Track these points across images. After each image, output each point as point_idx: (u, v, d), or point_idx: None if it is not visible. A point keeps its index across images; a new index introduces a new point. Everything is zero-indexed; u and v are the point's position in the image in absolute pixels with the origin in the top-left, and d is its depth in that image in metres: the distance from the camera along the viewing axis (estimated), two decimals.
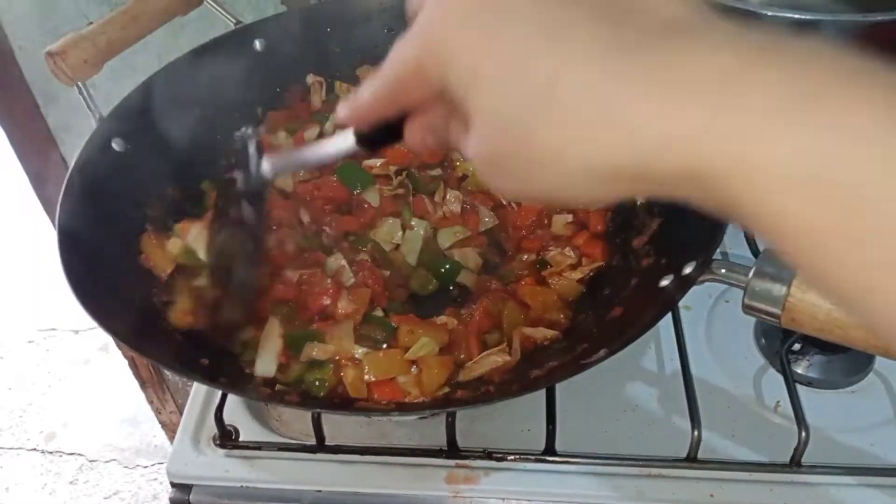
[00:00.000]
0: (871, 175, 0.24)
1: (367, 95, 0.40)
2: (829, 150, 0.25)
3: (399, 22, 0.87)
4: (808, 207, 0.25)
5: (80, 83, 0.74)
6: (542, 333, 0.68)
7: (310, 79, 0.88)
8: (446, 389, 0.64)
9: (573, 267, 0.73)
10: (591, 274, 0.73)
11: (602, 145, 0.29)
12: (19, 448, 2.13)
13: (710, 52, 0.28)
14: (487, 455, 0.65)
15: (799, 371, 0.71)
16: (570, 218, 0.77)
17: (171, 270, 0.70)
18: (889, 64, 0.26)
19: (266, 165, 0.57)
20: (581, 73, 0.29)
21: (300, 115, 0.86)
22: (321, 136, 0.83)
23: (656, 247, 0.71)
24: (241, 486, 0.65)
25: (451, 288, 0.75)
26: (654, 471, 0.64)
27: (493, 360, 0.65)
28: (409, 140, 0.42)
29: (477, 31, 0.32)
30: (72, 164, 0.69)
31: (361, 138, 0.45)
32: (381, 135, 0.43)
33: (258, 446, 0.67)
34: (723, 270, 0.56)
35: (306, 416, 0.67)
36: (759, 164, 0.26)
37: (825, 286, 0.27)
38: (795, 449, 0.62)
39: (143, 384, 1.68)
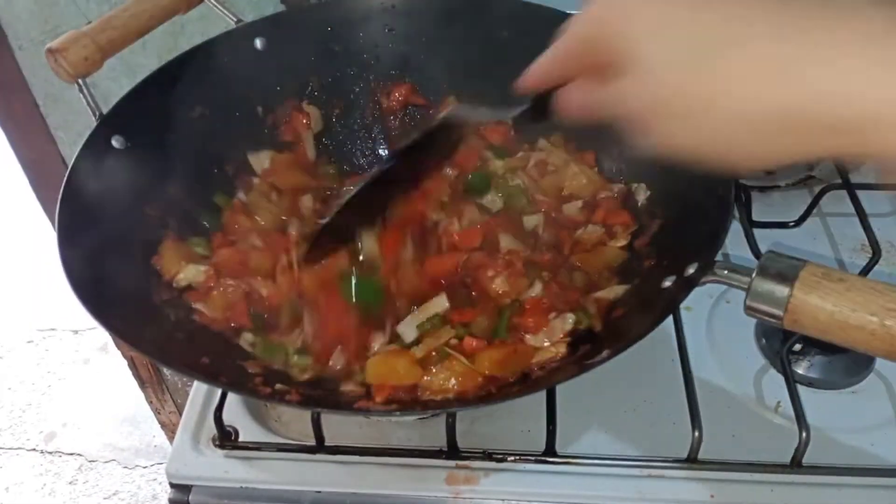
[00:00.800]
0: None
1: (545, 60, 0.47)
2: None
3: (399, 22, 0.87)
4: None
5: (80, 80, 0.74)
6: (614, 292, 0.69)
7: (305, 106, 0.87)
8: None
9: (610, 237, 0.75)
10: (631, 239, 0.74)
11: (770, 90, 0.33)
12: (19, 448, 2.12)
13: (867, 19, 0.32)
14: (487, 456, 0.65)
15: (800, 371, 0.71)
16: (580, 203, 0.78)
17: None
18: None
19: (452, 111, 0.65)
20: (763, 14, 0.33)
21: (300, 161, 0.86)
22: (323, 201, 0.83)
23: (658, 248, 0.70)
24: (241, 487, 0.65)
25: None
26: (655, 471, 0.64)
27: (550, 350, 0.65)
28: (565, 108, 0.48)
29: (657, 8, 0.37)
30: (71, 162, 0.69)
31: (531, 105, 0.52)
32: (545, 104, 0.50)
33: (258, 447, 0.67)
34: (725, 272, 0.56)
35: (306, 416, 0.67)
36: None
37: None
38: (796, 449, 0.62)
39: (142, 384, 1.68)
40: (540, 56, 0.47)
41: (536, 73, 0.48)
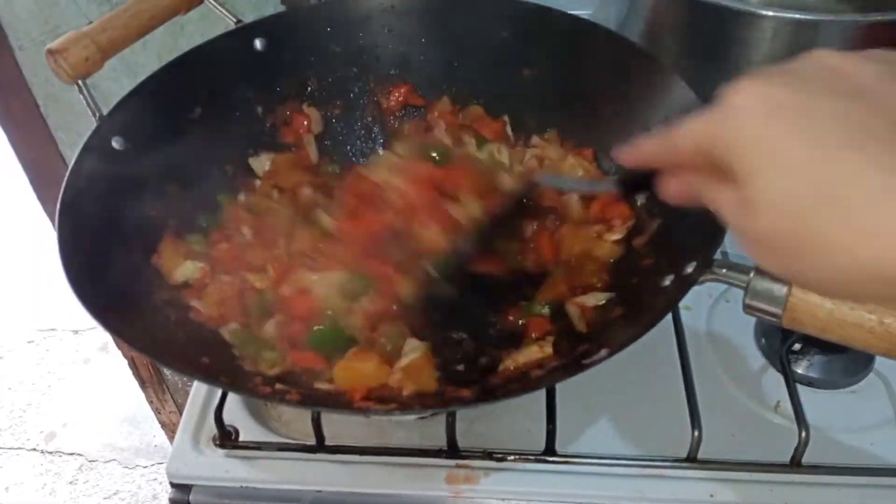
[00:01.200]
0: None
1: (648, 145, 0.46)
2: None
3: (399, 22, 0.87)
4: None
5: (80, 81, 0.74)
6: (596, 298, 0.69)
7: (305, 108, 0.87)
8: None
9: (608, 230, 0.74)
10: (628, 234, 0.74)
11: (875, 250, 0.33)
12: (19, 448, 2.13)
13: None
14: (487, 455, 0.65)
15: (799, 371, 0.71)
16: (576, 196, 0.78)
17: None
18: None
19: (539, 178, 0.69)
20: (876, 183, 0.33)
21: (301, 162, 0.85)
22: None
23: (657, 247, 0.70)
24: (241, 487, 0.65)
25: None
26: (655, 471, 0.64)
27: (534, 351, 0.65)
28: (663, 192, 0.48)
29: (781, 125, 0.36)
30: (71, 163, 0.69)
31: (622, 180, 0.54)
32: (637, 181, 0.51)
33: (258, 446, 0.67)
34: (724, 270, 0.56)
35: (306, 416, 0.67)
36: None
37: None
38: (796, 449, 0.62)
39: (142, 384, 1.68)
40: (651, 136, 0.46)
41: (643, 153, 0.47)
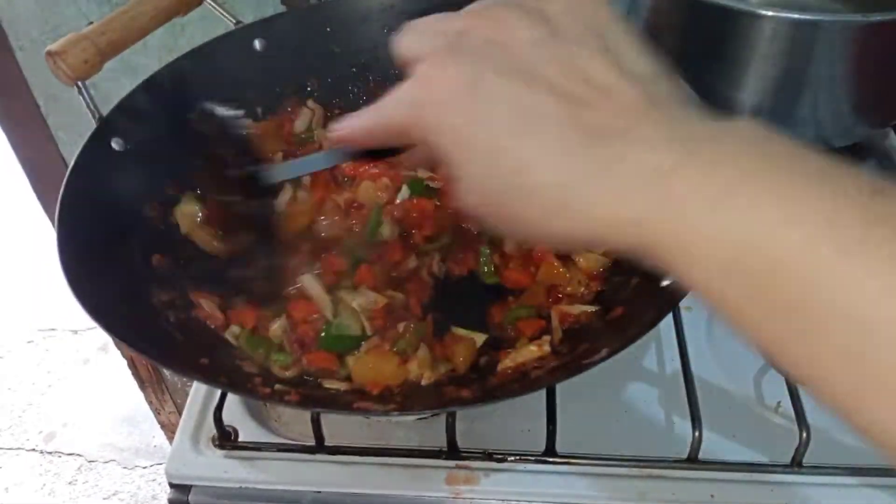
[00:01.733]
0: (778, 261, 0.29)
1: (359, 126, 0.46)
2: (740, 240, 0.30)
3: (399, 21, 0.86)
4: (727, 286, 0.32)
5: (80, 83, 0.74)
6: (580, 309, 0.69)
7: (310, 104, 0.87)
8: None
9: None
10: None
11: (566, 223, 0.36)
12: (18, 448, 2.13)
13: (650, 149, 0.34)
14: (488, 456, 0.65)
15: None
16: None
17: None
18: (806, 148, 0.32)
19: (269, 173, 0.63)
20: (547, 165, 0.35)
21: (280, 132, 0.85)
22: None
23: None
24: (241, 487, 0.65)
25: None
26: (655, 471, 0.64)
27: (531, 350, 0.65)
28: (403, 161, 0.48)
29: (462, 115, 0.38)
30: (71, 163, 0.69)
31: (355, 154, 0.50)
32: (372, 153, 0.48)
33: (257, 447, 0.67)
34: None
35: (305, 416, 0.67)
36: (686, 248, 0.32)
37: (746, 341, 0.33)
38: (796, 449, 0.62)
39: (142, 384, 1.68)
40: (362, 115, 0.46)
41: (359, 133, 0.47)
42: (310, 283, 0.71)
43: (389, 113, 0.43)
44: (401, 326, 0.68)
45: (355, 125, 0.46)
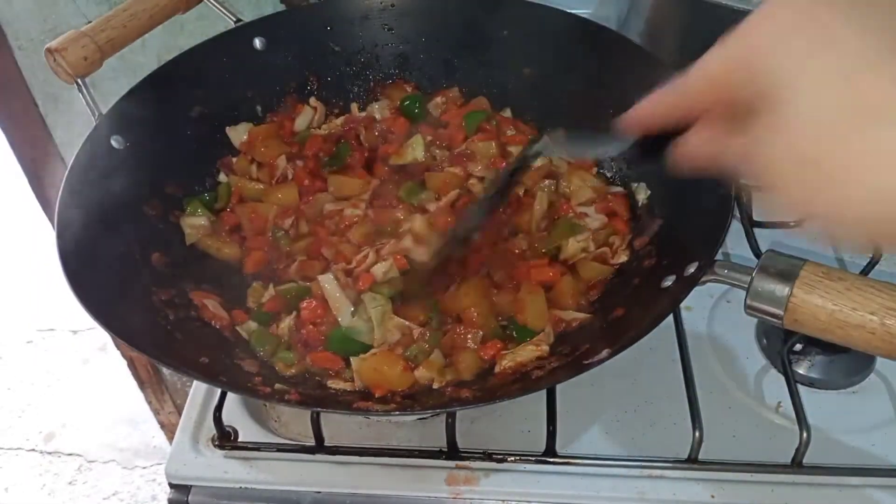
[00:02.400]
0: None
1: (662, 97, 0.42)
2: None
3: (399, 21, 0.87)
4: None
5: (79, 80, 0.74)
6: (573, 315, 0.69)
7: (312, 101, 0.87)
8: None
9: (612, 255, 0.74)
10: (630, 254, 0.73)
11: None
12: (18, 448, 2.12)
13: None
14: (487, 456, 0.65)
15: (800, 371, 0.71)
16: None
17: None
18: None
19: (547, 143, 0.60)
20: None
21: (280, 133, 0.86)
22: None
23: (658, 247, 0.70)
24: (240, 487, 0.65)
25: None
26: (656, 472, 0.63)
27: (529, 350, 0.65)
28: (676, 159, 0.44)
29: (807, 39, 0.34)
30: (70, 162, 0.69)
31: (639, 144, 0.47)
32: (649, 147, 0.46)
33: (257, 447, 0.67)
34: (725, 271, 0.56)
35: (305, 416, 0.67)
36: None
37: None
38: (797, 449, 0.61)
39: (141, 384, 1.68)
40: (654, 93, 0.42)
41: (648, 111, 0.43)
42: (329, 283, 0.70)
43: (703, 61, 0.39)
44: (416, 332, 0.68)
45: (649, 101, 0.43)
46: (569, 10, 0.83)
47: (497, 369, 0.66)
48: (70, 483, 2.04)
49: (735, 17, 0.73)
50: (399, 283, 0.71)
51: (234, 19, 0.85)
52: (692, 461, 0.62)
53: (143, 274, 0.70)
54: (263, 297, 0.72)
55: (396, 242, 0.73)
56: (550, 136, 0.60)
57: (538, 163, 0.80)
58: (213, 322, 0.69)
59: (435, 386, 0.65)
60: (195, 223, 0.76)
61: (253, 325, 0.70)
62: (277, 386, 0.63)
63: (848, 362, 0.71)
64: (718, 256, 0.58)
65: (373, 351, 0.67)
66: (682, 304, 0.68)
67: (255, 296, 0.73)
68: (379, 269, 0.71)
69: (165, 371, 1.63)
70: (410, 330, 0.68)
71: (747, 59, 0.36)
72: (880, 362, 0.72)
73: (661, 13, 0.86)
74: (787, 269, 0.52)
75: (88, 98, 0.75)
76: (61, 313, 2.38)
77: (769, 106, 0.35)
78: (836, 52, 0.33)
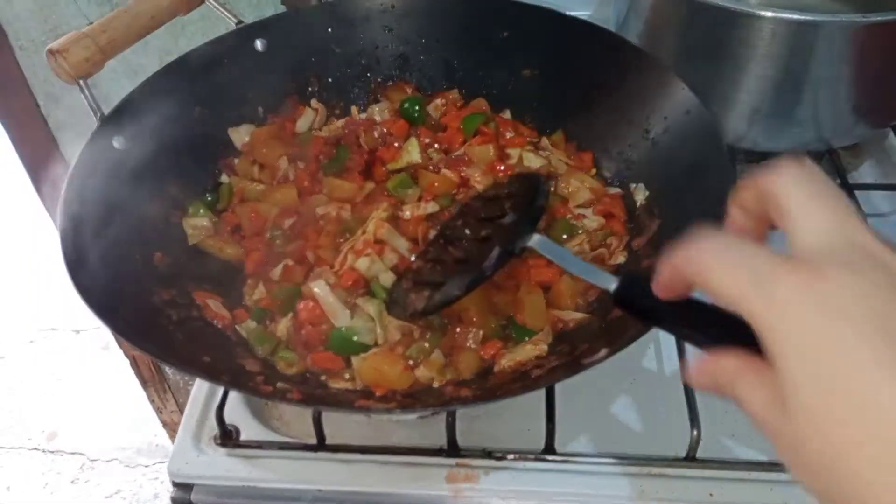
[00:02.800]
0: None
1: (683, 262, 0.42)
2: None
3: (399, 22, 0.87)
4: None
5: (81, 81, 0.74)
6: (572, 315, 0.69)
7: (314, 103, 0.88)
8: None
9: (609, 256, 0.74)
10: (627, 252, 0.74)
11: None
12: (20, 447, 2.13)
13: None
14: (487, 454, 0.65)
15: None
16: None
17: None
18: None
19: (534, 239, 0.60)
20: None
21: (282, 134, 0.86)
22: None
23: (656, 248, 0.71)
24: (242, 486, 0.65)
25: None
26: (654, 470, 0.64)
27: (528, 349, 0.66)
28: (690, 378, 0.45)
29: (812, 331, 0.33)
30: (73, 162, 0.69)
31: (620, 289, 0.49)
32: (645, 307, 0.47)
33: (259, 445, 0.67)
34: None
35: (307, 415, 0.67)
36: None
37: None
38: None
39: (144, 383, 1.69)
40: (693, 246, 0.42)
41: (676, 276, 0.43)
42: (321, 289, 0.70)
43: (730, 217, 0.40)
44: (416, 332, 0.68)
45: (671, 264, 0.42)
46: (568, 12, 0.84)
47: (497, 369, 0.66)
48: (72, 482, 2.05)
49: (735, 17, 0.74)
50: (389, 279, 0.71)
51: (236, 21, 0.85)
52: (691, 459, 0.63)
53: (146, 274, 0.70)
54: (255, 293, 0.73)
55: (360, 235, 0.73)
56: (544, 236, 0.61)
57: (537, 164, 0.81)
58: (215, 322, 0.70)
59: (435, 385, 0.65)
60: (198, 224, 0.77)
61: (252, 323, 0.71)
62: (279, 385, 0.64)
63: None
64: None
65: (373, 350, 0.67)
66: None
67: (250, 292, 0.74)
68: (362, 265, 0.71)
69: (168, 370, 1.64)
70: (411, 330, 0.68)
71: (767, 322, 0.35)
72: None
73: (659, 15, 0.86)
74: None
75: (90, 98, 0.75)
76: (63, 313, 2.39)
77: (779, 375, 0.35)
78: (837, 344, 0.32)
